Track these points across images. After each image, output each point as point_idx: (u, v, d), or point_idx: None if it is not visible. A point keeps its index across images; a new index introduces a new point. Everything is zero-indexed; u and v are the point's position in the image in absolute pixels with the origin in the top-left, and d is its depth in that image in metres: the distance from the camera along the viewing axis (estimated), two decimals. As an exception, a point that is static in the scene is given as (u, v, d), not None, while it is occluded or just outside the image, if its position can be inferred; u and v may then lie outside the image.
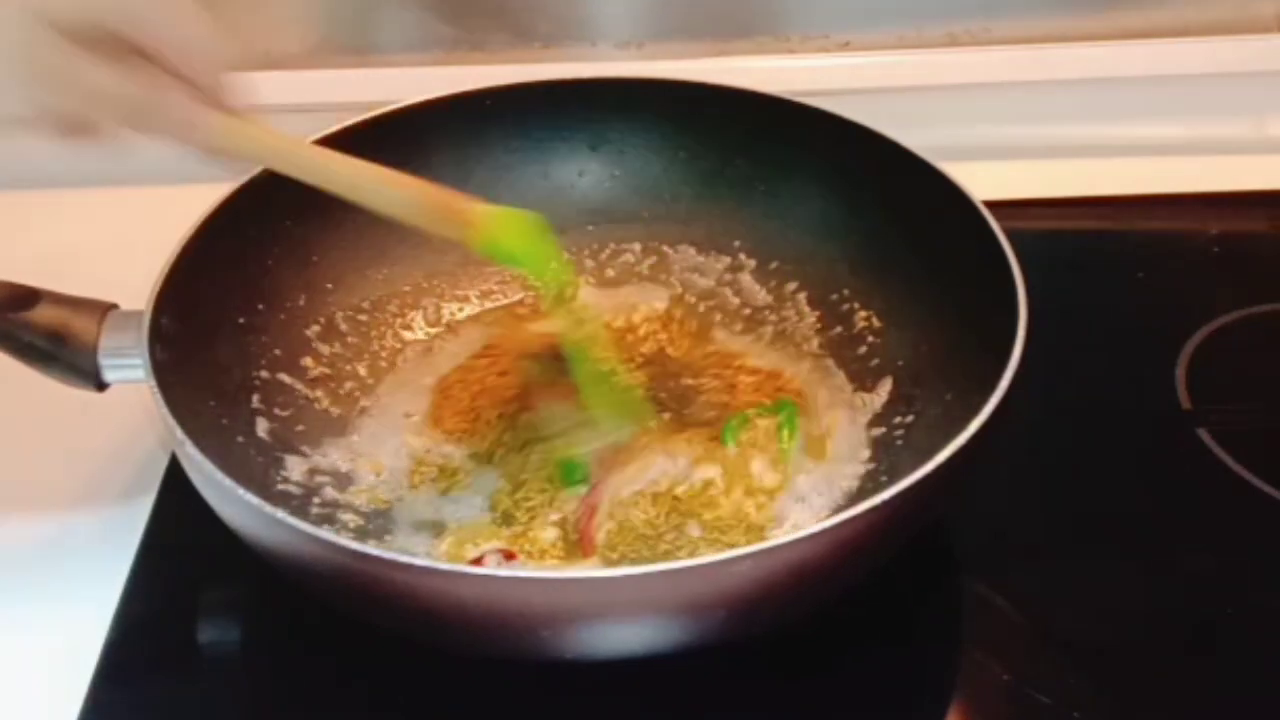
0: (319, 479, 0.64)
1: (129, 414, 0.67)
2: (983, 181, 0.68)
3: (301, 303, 0.70)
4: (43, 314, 0.60)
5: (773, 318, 0.73)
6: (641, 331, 0.72)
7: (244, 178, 0.67)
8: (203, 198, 0.65)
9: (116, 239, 0.81)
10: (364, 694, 0.58)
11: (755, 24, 0.91)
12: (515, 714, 0.58)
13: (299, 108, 0.83)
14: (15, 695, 0.58)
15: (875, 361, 0.69)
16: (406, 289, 0.74)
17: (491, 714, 0.58)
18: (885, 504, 0.51)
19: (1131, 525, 0.65)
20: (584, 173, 0.77)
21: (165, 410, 0.55)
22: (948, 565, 0.63)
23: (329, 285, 0.71)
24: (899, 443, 0.64)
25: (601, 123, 0.75)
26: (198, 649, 0.61)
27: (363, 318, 0.72)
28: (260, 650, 0.60)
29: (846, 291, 0.72)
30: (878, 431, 0.66)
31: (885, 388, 0.67)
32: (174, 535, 0.64)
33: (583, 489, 0.62)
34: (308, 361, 0.69)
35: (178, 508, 0.59)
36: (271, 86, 0.88)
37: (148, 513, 0.65)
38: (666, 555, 0.60)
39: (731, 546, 0.56)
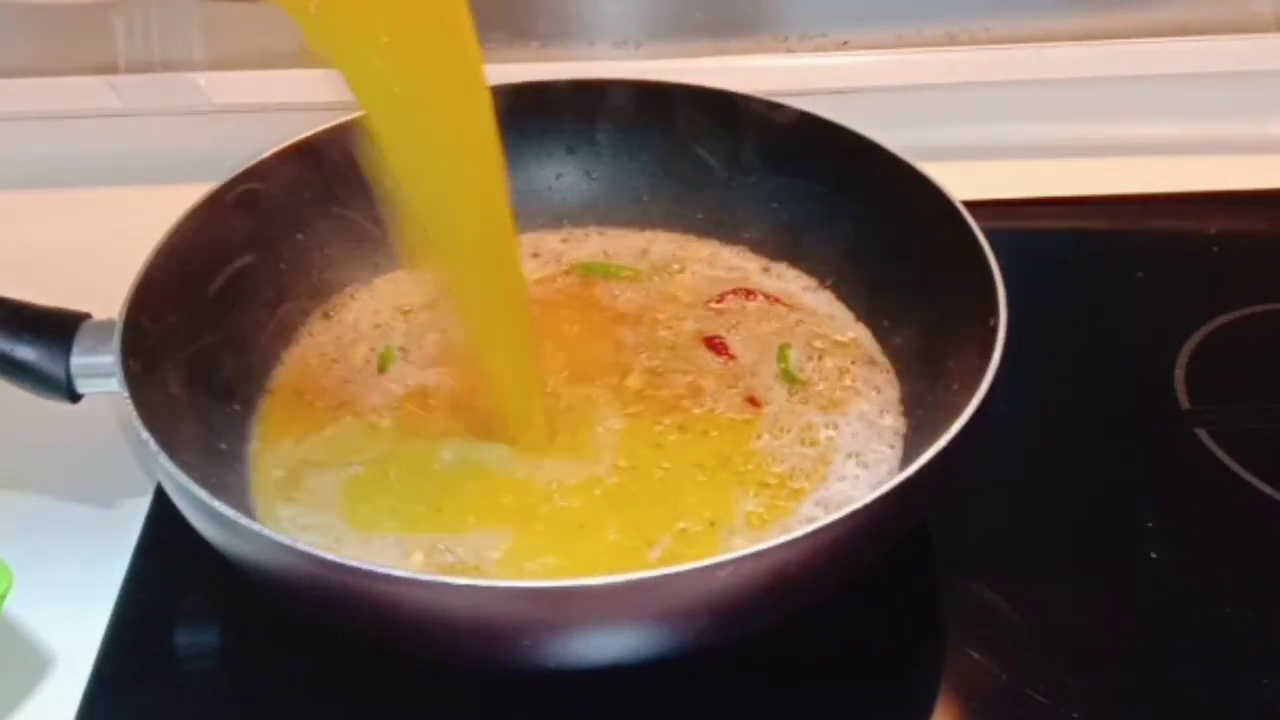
0: None
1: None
2: (980, 181, 0.68)
3: (279, 308, 0.70)
4: (12, 325, 0.59)
5: None
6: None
7: (217, 182, 0.67)
8: (179, 200, 0.65)
9: (91, 242, 0.81)
10: (357, 706, 0.58)
11: (754, 23, 0.91)
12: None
13: (295, 107, 0.83)
14: (8, 705, 0.58)
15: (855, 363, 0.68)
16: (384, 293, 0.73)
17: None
18: (866, 508, 0.51)
19: (1130, 525, 0.64)
20: (561, 175, 0.76)
21: (139, 423, 0.55)
22: (944, 566, 0.63)
23: (305, 290, 0.71)
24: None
25: (577, 125, 0.75)
26: (195, 660, 0.61)
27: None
28: (262, 662, 0.60)
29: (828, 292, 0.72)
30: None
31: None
32: (170, 541, 0.63)
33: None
34: None
35: (173, 513, 0.58)
36: (269, 85, 0.89)
37: (142, 517, 0.65)
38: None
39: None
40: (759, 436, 0.64)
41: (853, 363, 0.68)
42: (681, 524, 0.60)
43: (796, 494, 0.61)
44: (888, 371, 0.68)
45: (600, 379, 0.68)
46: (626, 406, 0.66)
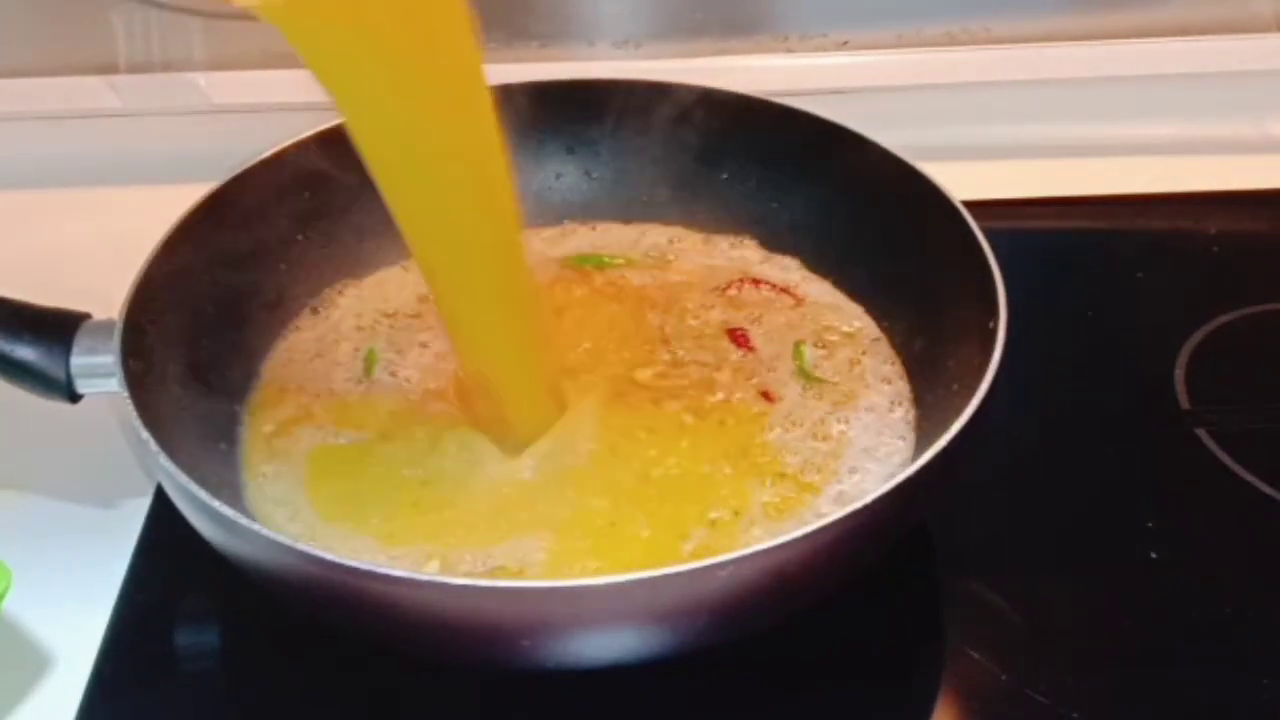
0: None
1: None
2: (980, 181, 0.68)
3: (279, 307, 0.70)
4: (12, 325, 0.59)
5: None
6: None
7: (217, 182, 0.67)
8: (179, 200, 0.65)
9: (91, 242, 0.81)
10: (357, 706, 0.58)
11: (754, 23, 0.91)
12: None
13: (295, 107, 0.83)
14: (7, 705, 0.58)
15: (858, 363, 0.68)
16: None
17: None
18: (866, 508, 0.51)
19: (1130, 525, 0.64)
20: (561, 175, 0.77)
21: (139, 423, 0.55)
22: (944, 566, 0.63)
23: (306, 287, 0.71)
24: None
25: (577, 125, 0.75)
26: (195, 660, 0.60)
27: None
28: (262, 662, 0.60)
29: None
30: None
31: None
32: (170, 541, 0.63)
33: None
34: None
35: (173, 513, 0.58)
36: (269, 85, 0.89)
37: (142, 517, 0.65)
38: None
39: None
40: (771, 429, 0.64)
41: (863, 353, 0.68)
42: (712, 514, 0.60)
43: (810, 487, 0.61)
44: (894, 364, 0.68)
45: (615, 370, 0.68)
46: (642, 397, 0.66)
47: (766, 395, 0.66)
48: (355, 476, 0.63)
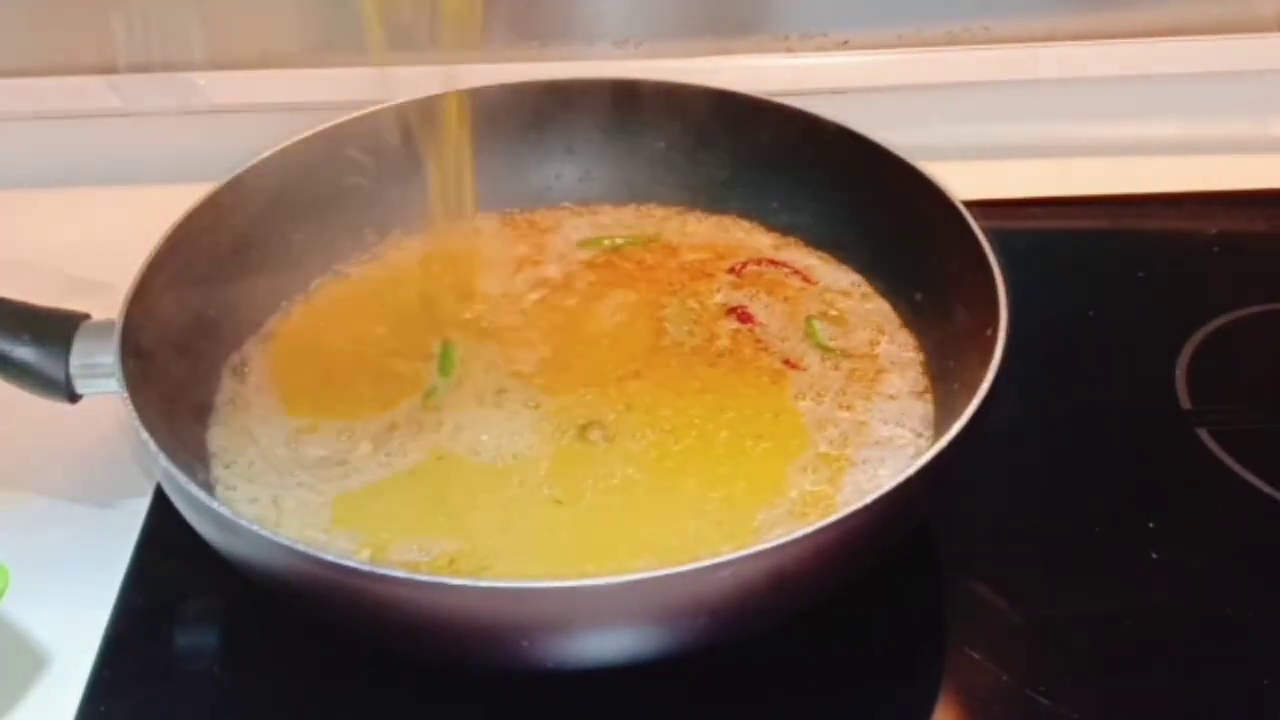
0: None
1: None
2: (980, 181, 0.67)
3: (277, 307, 0.70)
4: (11, 325, 0.59)
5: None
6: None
7: (217, 182, 0.67)
8: (179, 200, 0.65)
9: (91, 242, 0.81)
10: (357, 706, 0.58)
11: (754, 22, 0.91)
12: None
13: (296, 107, 0.83)
14: (6, 705, 0.58)
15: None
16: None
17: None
18: (866, 509, 0.51)
19: (1131, 525, 0.64)
20: (561, 175, 0.77)
21: (138, 423, 0.55)
22: (945, 566, 0.63)
23: (302, 288, 0.71)
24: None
25: (576, 125, 0.76)
26: (195, 660, 0.60)
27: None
28: (262, 662, 0.60)
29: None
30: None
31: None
32: (170, 542, 0.63)
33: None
34: None
35: (173, 513, 0.58)
36: (269, 85, 0.89)
37: (142, 517, 0.65)
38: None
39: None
40: (801, 398, 0.65)
41: (883, 334, 0.68)
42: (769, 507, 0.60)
43: (837, 469, 0.62)
44: (914, 349, 0.67)
45: (625, 365, 0.68)
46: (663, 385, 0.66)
47: (790, 363, 0.66)
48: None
